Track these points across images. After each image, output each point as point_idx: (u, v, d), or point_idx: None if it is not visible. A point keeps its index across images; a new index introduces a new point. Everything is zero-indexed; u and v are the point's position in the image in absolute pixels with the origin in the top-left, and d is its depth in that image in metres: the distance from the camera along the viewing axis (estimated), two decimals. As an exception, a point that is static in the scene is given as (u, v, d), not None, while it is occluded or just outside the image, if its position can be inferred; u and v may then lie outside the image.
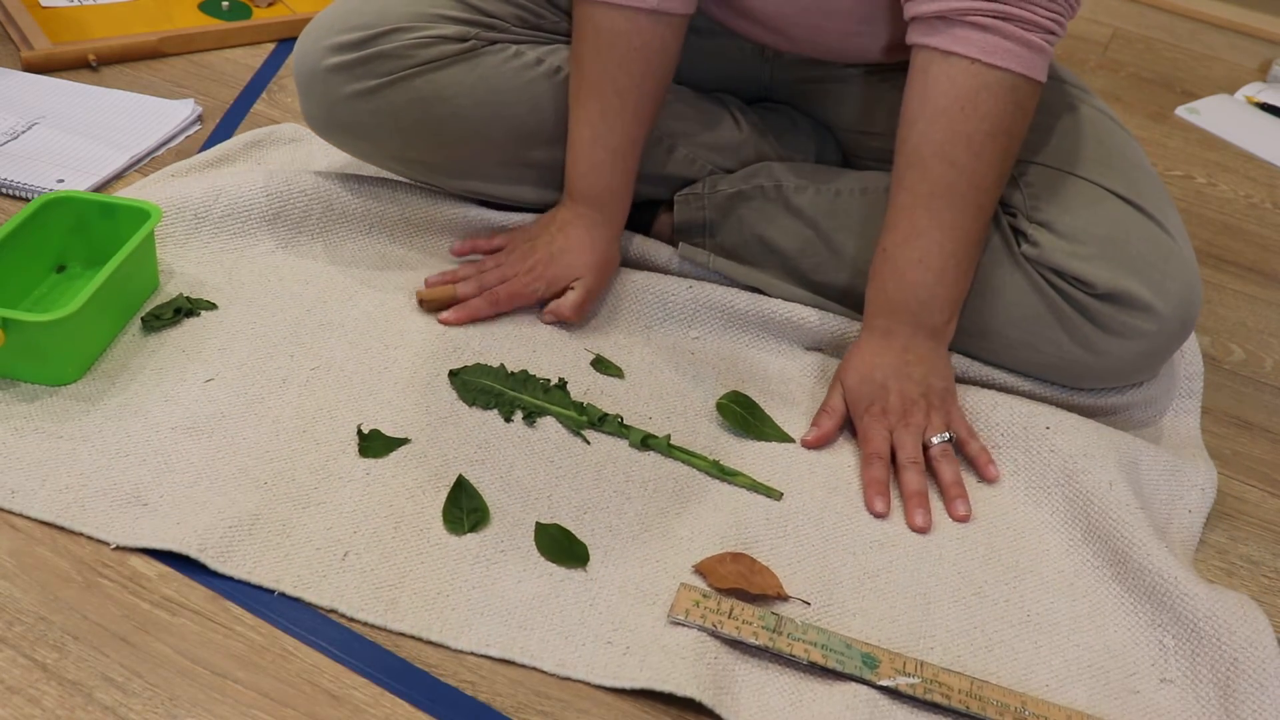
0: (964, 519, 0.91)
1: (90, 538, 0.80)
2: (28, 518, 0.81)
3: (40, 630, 0.74)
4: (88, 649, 0.73)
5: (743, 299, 1.08)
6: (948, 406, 0.96)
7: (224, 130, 1.33)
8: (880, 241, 0.95)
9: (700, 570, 0.83)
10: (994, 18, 0.87)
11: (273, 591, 0.78)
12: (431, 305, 1.04)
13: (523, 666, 0.75)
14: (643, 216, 1.17)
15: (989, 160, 0.90)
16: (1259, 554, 0.94)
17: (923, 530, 0.90)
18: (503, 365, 0.99)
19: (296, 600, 0.78)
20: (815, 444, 0.96)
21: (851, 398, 0.97)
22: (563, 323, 1.06)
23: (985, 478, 0.94)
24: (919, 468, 0.93)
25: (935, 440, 0.94)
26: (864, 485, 0.93)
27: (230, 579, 0.78)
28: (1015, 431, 0.97)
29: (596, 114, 1.01)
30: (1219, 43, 2.10)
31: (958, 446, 0.96)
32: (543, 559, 0.83)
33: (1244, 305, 1.31)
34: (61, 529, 0.80)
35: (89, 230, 1.04)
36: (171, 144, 1.29)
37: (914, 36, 0.91)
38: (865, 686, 0.76)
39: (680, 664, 0.75)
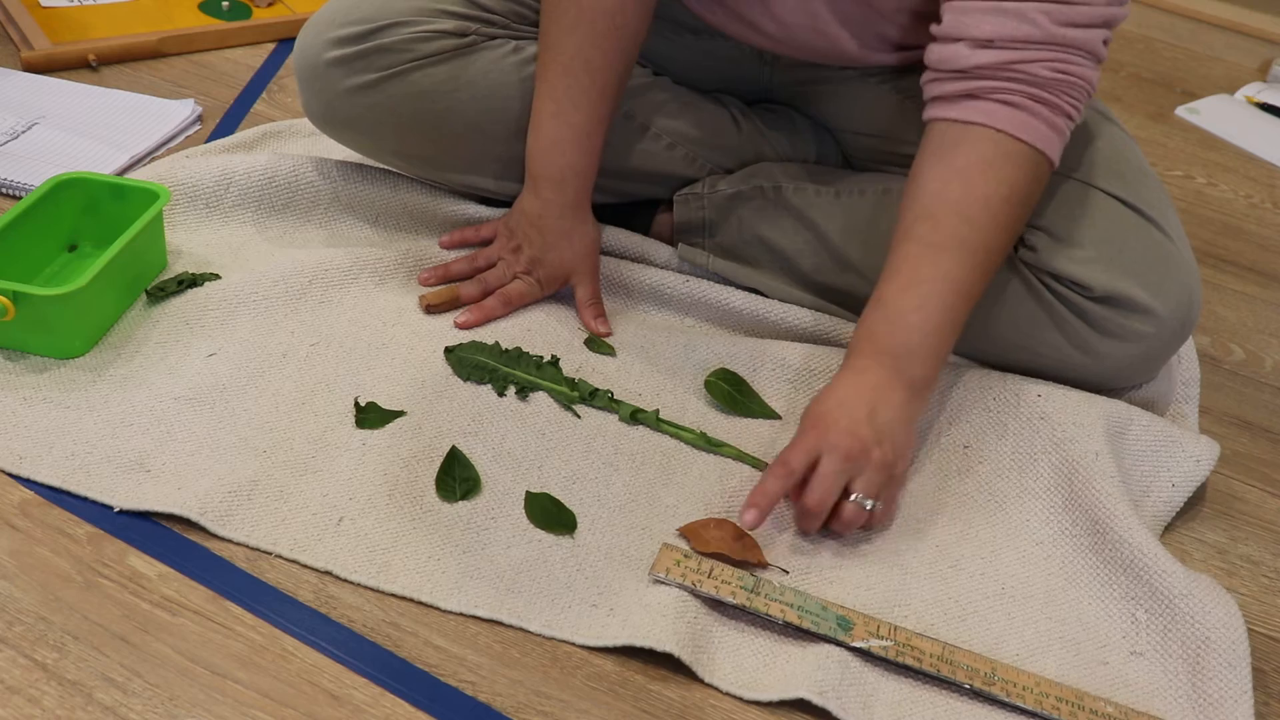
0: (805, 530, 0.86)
1: (92, 515, 0.82)
2: (33, 487, 0.83)
3: (40, 630, 0.74)
4: (88, 649, 0.73)
5: (739, 297, 1.09)
6: (893, 473, 0.87)
7: (224, 130, 1.34)
8: (876, 290, 0.91)
9: (684, 533, 0.85)
10: (1023, 97, 0.87)
11: (270, 553, 0.81)
12: (438, 309, 1.05)
13: (523, 666, 0.75)
14: (643, 216, 1.17)
15: (1002, 224, 0.89)
16: (1259, 554, 0.94)
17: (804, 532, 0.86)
18: (497, 343, 1.01)
19: (293, 599, 0.78)
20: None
21: (804, 414, 0.89)
22: (553, 302, 1.09)
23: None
24: (819, 517, 0.85)
25: (855, 498, 0.85)
26: (753, 491, 0.85)
27: (230, 578, 0.79)
28: (1007, 397, 0.98)
29: (563, 90, 1.00)
30: (1219, 43, 2.10)
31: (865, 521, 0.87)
32: (532, 526, 0.85)
33: (1244, 305, 1.31)
34: (63, 532, 0.80)
35: (100, 211, 1.07)
36: (171, 144, 1.30)
37: (934, 112, 0.91)
38: (838, 648, 0.78)
39: (661, 621, 0.77)
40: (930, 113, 0.92)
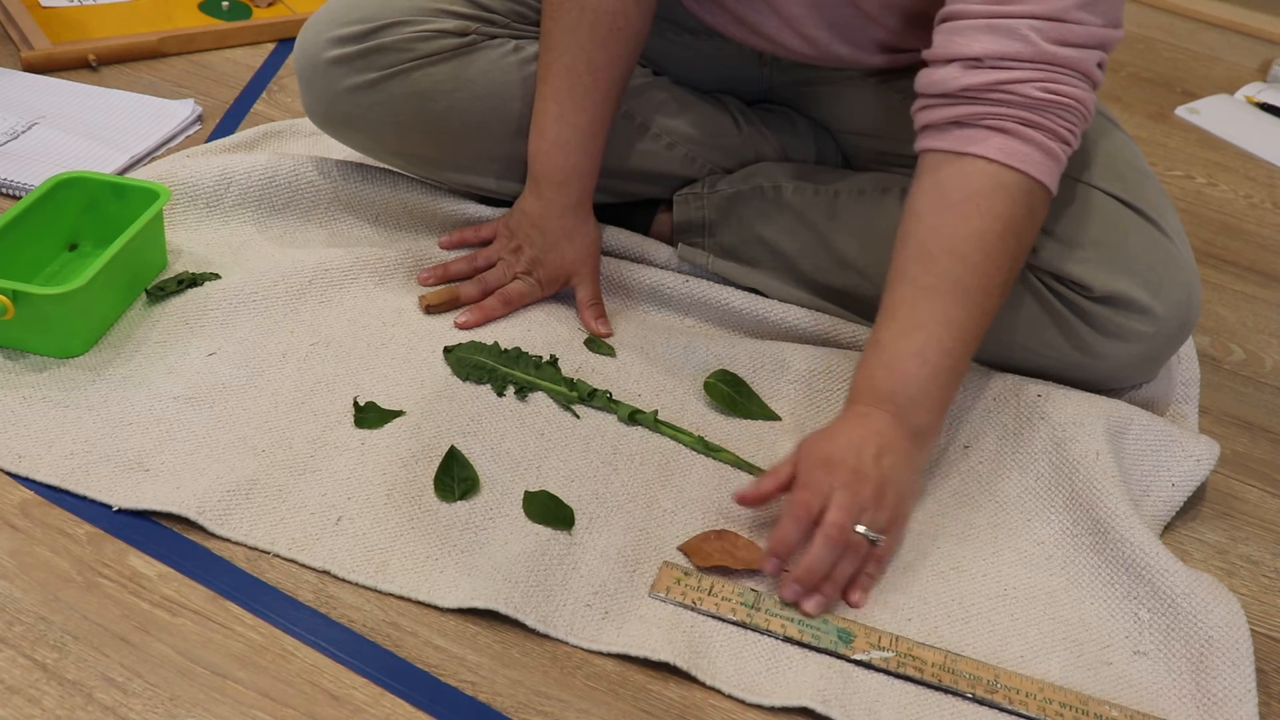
0: (808, 614, 0.80)
1: (91, 515, 0.82)
2: (33, 487, 0.83)
3: (40, 630, 0.74)
4: (88, 649, 0.73)
5: (739, 297, 1.09)
6: (898, 514, 0.84)
7: (224, 130, 1.34)
8: (874, 333, 0.88)
9: (684, 550, 0.85)
10: (1013, 122, 0.85)
11: (269, 552, 0.81)
12: (437, 309, 1.05)
13: (523, 666, 0.75)
14: (643, 216, 1.17)
15: (999, 262, 0.85)
16: (1259, 554, 0.94)
17: (793, 601, 0.80)
18: (496, 343, 1.01)
19: (293, 599, 0.78)
20: (745, 499, 0.86)
21: (801, 455, 0.85)
22: (553, 302, 1.09)
23: (846, 599, 0.82)
24: (839, 542, 0.80)
25: (860, 530, 0.81)
26: (771, 540, 0.82)
27: (230, 578, 0.79)
28: (1006, 397, 0.98)
29: (566, 91, 1.00)
30: (1219, 43, 2.10)
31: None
32: (530, 523, 0.85)
33: (1244, 305, 1.31)
34: (63, 532, 0.80)
35: (100, 210, 1.07)
36: (171, 144, 1.30)
37: (925, 142, 0.89)
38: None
39: (656, 631, 0.78)
40: (921, 143, 0.89)
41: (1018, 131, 0.85)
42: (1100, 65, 0.87)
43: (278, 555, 0.81)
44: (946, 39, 0.88)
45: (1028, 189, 0.85)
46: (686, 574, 0.82)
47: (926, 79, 0.89)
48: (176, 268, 1.06)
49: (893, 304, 0.87)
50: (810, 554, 0.80)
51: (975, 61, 0.86)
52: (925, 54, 0.90)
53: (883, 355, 0.86)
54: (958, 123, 0.86)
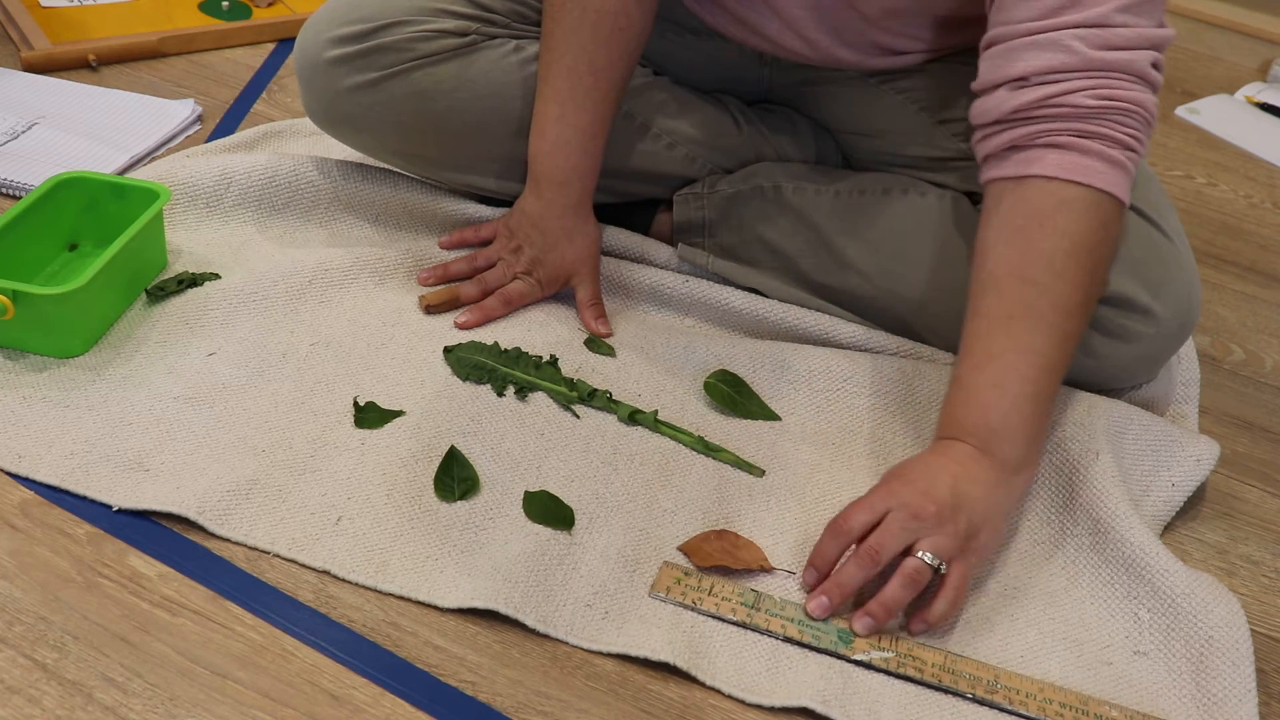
0: (857, 633, 0.79)
1: (91, 515, 0.82)
2: (33, 487, 0.83)
3: (40, 630, 0.74)
4: (88, 649, 0.73)
5: (739, 297, 1.09)
6: (972, 544, 0.80)
7: (224, 130, 1.34)
8: (953, 370, 0.87)
9: (685, 550, 0.85)
10: (1069, 135, 0.83)
11: (269, 552, 0.81)
12: (437, 309, 1.05)
13: (523, 666, 0.75)
14: (643, 216, 1.17)
15: (1072, 280, 0.83)
16: (1259, 554, 0.94)
17: (814, 616, 0.79)
18: (496, 343, 1.01)
19: (293, 599, 0.78)
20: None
21: (880, 481, 0.84)
22: (553, 302, 1.09)
23: (908, 629, 0.80)
24: (870, 564, 0.78)
25: (922, 556, 0.78)
26: (812, 552, 0.82)
27: (230, 578, 0.79)
28: None
29: (566, 92, 1.00)
30: (1219, 43, 2.10)
31: (933, 586, 0.79)
32: (530, 523, 0.85)
33: (1244, 305, 1.31)
34: (63, 532, 0.80)
35: (100, 210, 1.07)
36: (171, 144, 1.30)
37: (988, 173, 0.88)
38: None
39: (656, 632, 0.78)
40: (984, 174, 0.89)
41: (1074, 144, 0.83)
42: (1155, 66, 0.85)
43: (278, 555, 0.81)
44: (992, 64, 0.87)
45: (1093, 202, 0.83)
46: (686, 574, 0.83)
47: (979, 108, 0.89)
48: (176, 268, 1.06)
49: (968, 338, 0.86)
50: (840, 569, 0.79)
51: (1021, 81, 0.85)
52: (974, 85, 0.89)
53: (962, 391, 0.85)
54: (1014, 146, 0.86)
